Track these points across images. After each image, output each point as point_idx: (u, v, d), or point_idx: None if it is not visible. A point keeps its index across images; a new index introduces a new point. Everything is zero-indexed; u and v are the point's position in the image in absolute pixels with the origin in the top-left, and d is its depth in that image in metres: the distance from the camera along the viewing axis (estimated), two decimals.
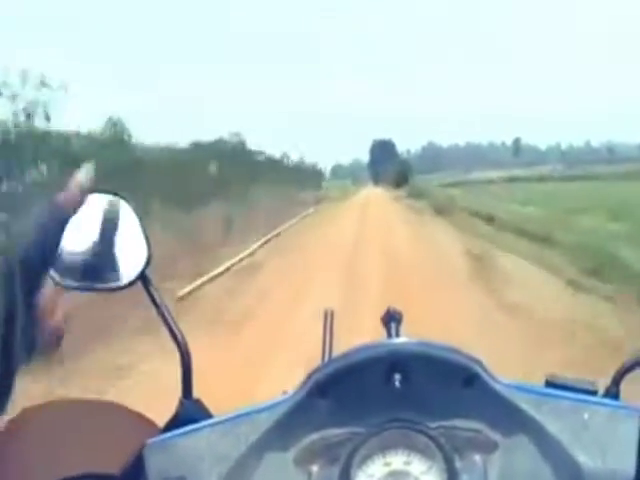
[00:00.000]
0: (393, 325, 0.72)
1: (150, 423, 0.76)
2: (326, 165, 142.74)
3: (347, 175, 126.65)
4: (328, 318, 0.86)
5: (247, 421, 0.66)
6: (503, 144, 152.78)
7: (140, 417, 0.77)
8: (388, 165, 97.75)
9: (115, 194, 0.80)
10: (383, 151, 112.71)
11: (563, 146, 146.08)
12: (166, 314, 0.80)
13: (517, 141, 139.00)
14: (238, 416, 0.66)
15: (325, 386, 0.64)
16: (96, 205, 0.77)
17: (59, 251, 0.66)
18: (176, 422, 0.73)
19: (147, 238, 0.80)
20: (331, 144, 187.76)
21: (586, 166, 75.33)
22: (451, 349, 0.63)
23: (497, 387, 0.64)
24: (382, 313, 0.73)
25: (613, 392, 0.73)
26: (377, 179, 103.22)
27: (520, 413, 0.63)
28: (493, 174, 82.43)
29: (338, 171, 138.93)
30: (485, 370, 0.64)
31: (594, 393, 0.69)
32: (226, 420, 0.67)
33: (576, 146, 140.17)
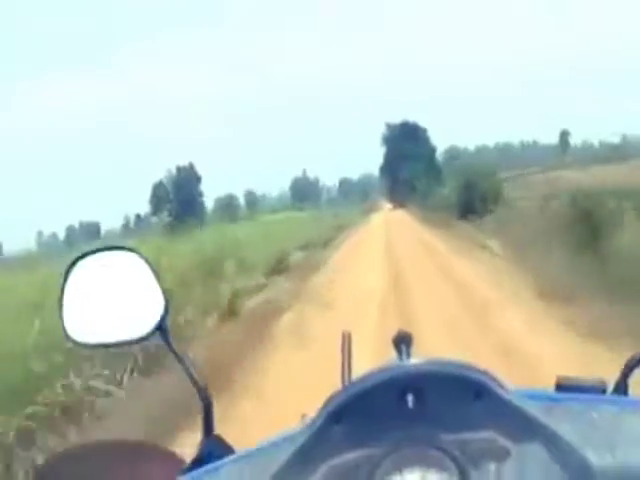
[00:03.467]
0: (404, 347, 0.76)
1: (179, 460, 0.81)
2: (334, 181, 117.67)
3: (357, 192, 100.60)
4: (345, 341, 0.86)
5: (266, 454, 0.67)
6: (535, 142, 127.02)
7: (169, 454, 0.82)
8: (419, 165, 57.98)
9: (129, 249, 0.83)
10: (407, 141, 63.49)
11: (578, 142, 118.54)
12: (186, 362, 0.83)
13: (565, 134, 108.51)
14: (258, 450, 0.68)
15: (340, 413, 0.65)
16: (110, 262, 0.80)
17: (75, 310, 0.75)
18: (200, 460, 0.76)
19: (163, 290, 0.82)
20: (335, 155, 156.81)
21: None
22: (460, 365, 0.65)
23: (506, 396, 0.65)
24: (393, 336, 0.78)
25: (622, 388, 0.76)
26: (395, 194, 64.50)
27: (530, 419, 0.65)
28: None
29: (345, 187, 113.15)
30: (494, 380, 0.65)
31: (603, 391, 0.73)
32: (246, 455, 0.69)
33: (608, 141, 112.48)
